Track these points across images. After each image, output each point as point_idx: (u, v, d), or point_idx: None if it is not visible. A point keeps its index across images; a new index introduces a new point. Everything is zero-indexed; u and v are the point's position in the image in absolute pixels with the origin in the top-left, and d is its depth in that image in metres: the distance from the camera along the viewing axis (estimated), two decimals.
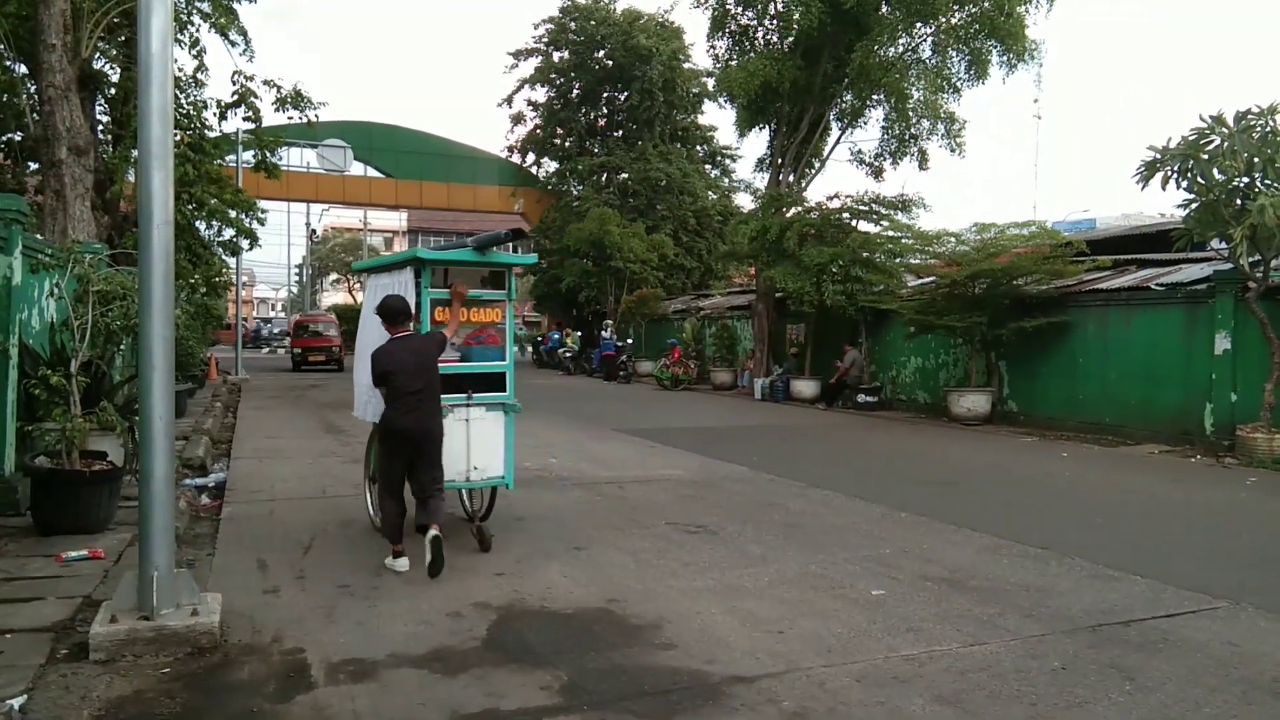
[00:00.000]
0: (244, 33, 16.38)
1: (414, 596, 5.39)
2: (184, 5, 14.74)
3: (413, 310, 6.26)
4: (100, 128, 14.76)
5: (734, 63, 22.57)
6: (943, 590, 5.66)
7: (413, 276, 6.54)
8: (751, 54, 22.16)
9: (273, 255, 64.92)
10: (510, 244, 6.79)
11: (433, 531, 5.80)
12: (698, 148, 38.10)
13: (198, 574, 5.49)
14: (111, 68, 14.84)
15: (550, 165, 38.53)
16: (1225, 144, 11.37)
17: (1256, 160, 11.17)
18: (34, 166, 14.43)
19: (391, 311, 6.12)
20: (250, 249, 18.39)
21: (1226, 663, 4.47)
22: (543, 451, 11.53)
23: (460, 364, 6.66)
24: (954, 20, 19.73)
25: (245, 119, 16.40)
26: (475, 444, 6.66)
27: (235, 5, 15.99)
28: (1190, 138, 11.65)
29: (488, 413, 6.74)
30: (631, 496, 8.73)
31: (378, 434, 6.37)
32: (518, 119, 37.95)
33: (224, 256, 19.13)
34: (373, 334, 6.50)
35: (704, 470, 10.34)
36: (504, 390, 6.87)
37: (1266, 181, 11.24)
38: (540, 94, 37.30)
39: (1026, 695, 4.05)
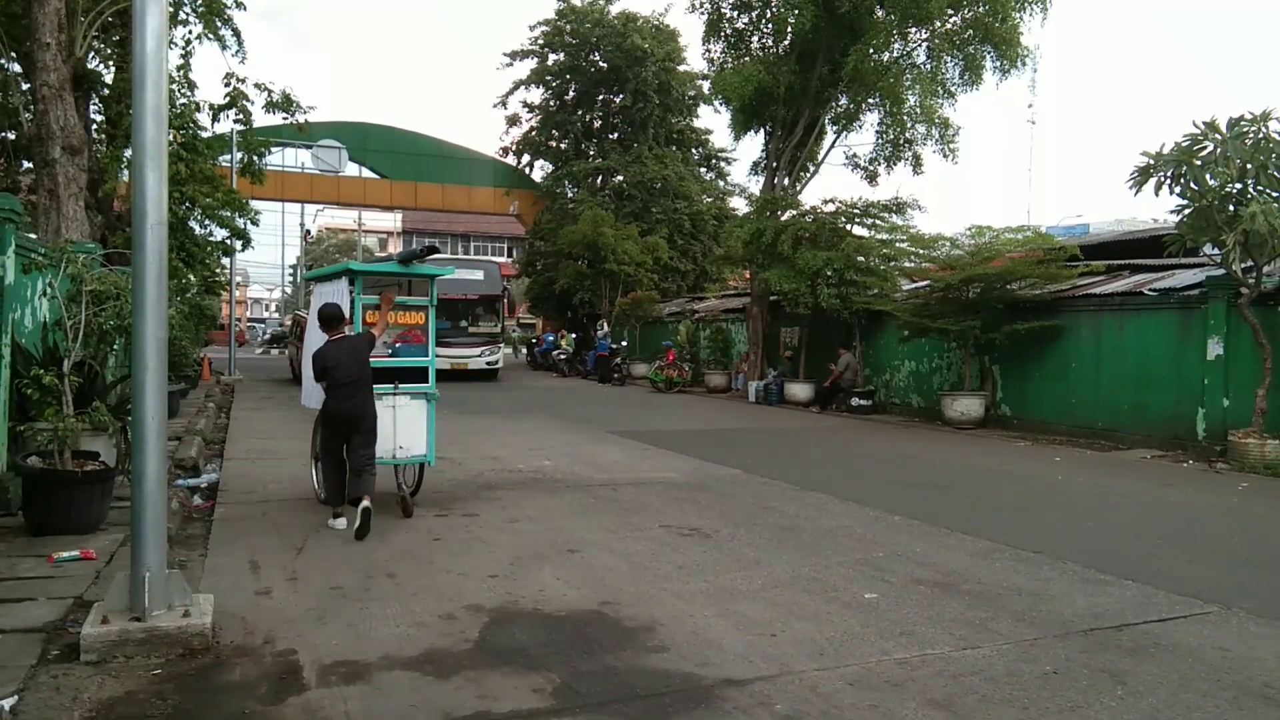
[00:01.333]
0: (237, 34, 16.37)
1: (406, 598, 5.39)
2: (177, 6, 14.72)
3: (346, 315, 7.42)
4: (94, 127, 14.73)
5: (729, 66, 22.61)
6: (935, 594, 5.67)
7: (347, 285, 7.73)
8: (746, 57, 22.21)
9: (267, 256, 64.81)
10: (425, 257, 8.15)
11: (364, 503, 6.88)
12: (693, 150, 38.14)
13: (190, 575, 5.47)
14: (106, 67, 14.81)
15: (545, 167, 38.55)
16: (1218, 150, 11.42)
17: (1249, 166, 11.23)
18: (27, 165, 14.40)
19: (327, 318, 7.27)
20: (243, 249, 18.37)
21: (1218, 668, 4.49)
22: (537, 454, 11.53)
23: (389, 359, 7.88)
24: (949, 25, 19.79)
25: (237, 121, 16.39)
26: (401, 427, 7.82)
27: (229, 9, 15.98)
28: (1184, 144, 11.70)
29: (412, 400, 7.90)
30: (625, 499, 8.73)
31: (320, 419, 7.53)
32: (513, 120, 37.99)
33: (218, 256, 19.11)
34: (315, 336, 7.62)
35: (698, 473, 10.34)
36: (426, 382, 8.06)
37: (1259, 188, 11.29)
38: (536, 95, 37.37)
39: (1018, 699, 4.06)
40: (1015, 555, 6.70)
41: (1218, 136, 11.44)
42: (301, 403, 8.57)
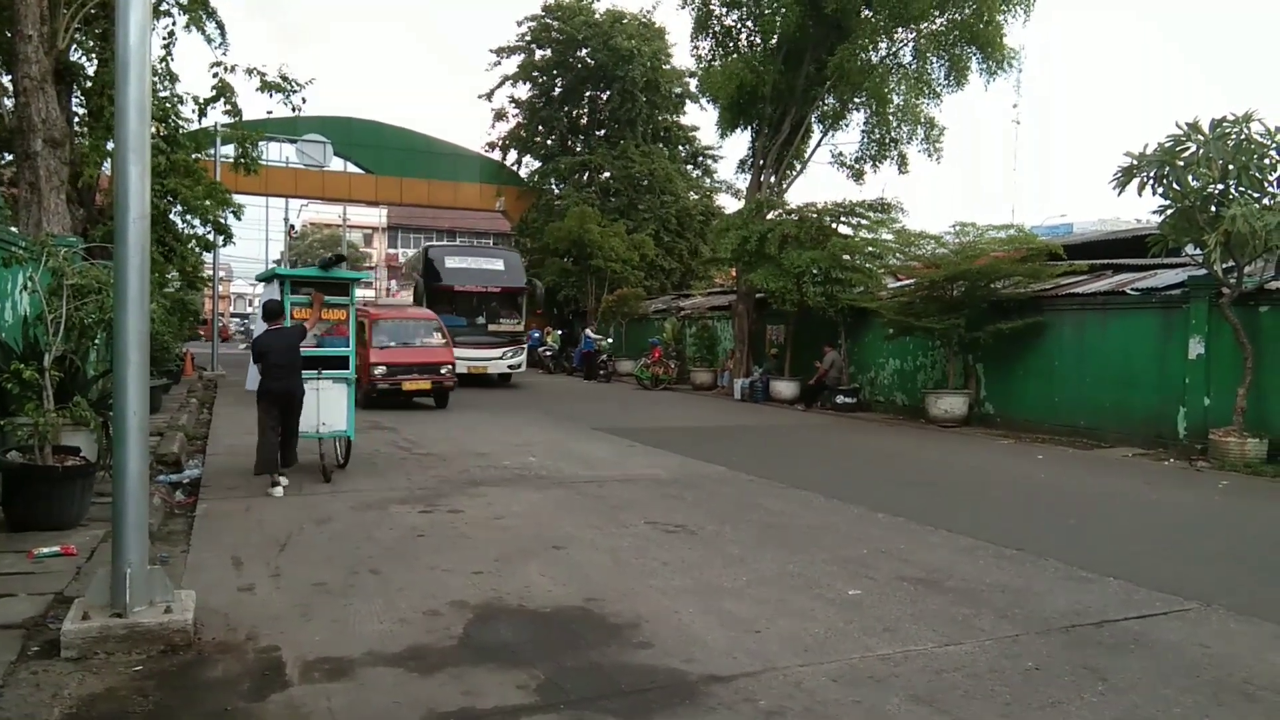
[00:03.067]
0: (221, 26, 16.22)
1: (390, 594, 5.37)
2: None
3: (283, 311, 8.88)
4: (76, 119, 14.59)
5: (717, 64, 22.64)
6: (919, 590, 5.70)
7: (278, 286, 9.27)
8: (734, 55, 22.23)
9: (250, 250, 64.25)
10: (337, 264, 9.77)
11: (280, 476, 8.50)
12: (680, 148, 38.13)
13: (171, 571, 5.44)
14: (88, 59, 14.67)
15: (532, 163, 38.45)
16: (1201, 151, 11.51)
17: (1231, 168, 11.32)
18: (8, 158, 14.25)
19: (267, 312, 8.84)
20: (225, 245, 18.20)
21: (1197, 663, 4.53)
22: (522, 450, 11.51)
23: (315, 349, 9.09)
24: (935, 26, 19.88)
25: (225, 113, 16.22)
26: (324, 406, 9.24)
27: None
28: (1167, 145, 11.78)
29: (334, 384, 9.34)
30: (611, 495, 8.73)
31: (258, 396, 8.56)
32: (500, 116, 37.85)
33: (199, 251, 18.95)
34: (258, 326, 9.13)
35: (683, 470, 10.35)
36: (346, 369, 9.48)
37: (1241, 189, 11.38)
38: (523, 91, 37.24)
39: (1001, 695, 4.09)
40: (998, 552, 6.74)
41: (1200, 137, 11.53)
42: (246, 387, 9.53)
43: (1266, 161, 11.41)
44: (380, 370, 16.39)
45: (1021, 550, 6.79)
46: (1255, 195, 11.33)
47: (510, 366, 22.97)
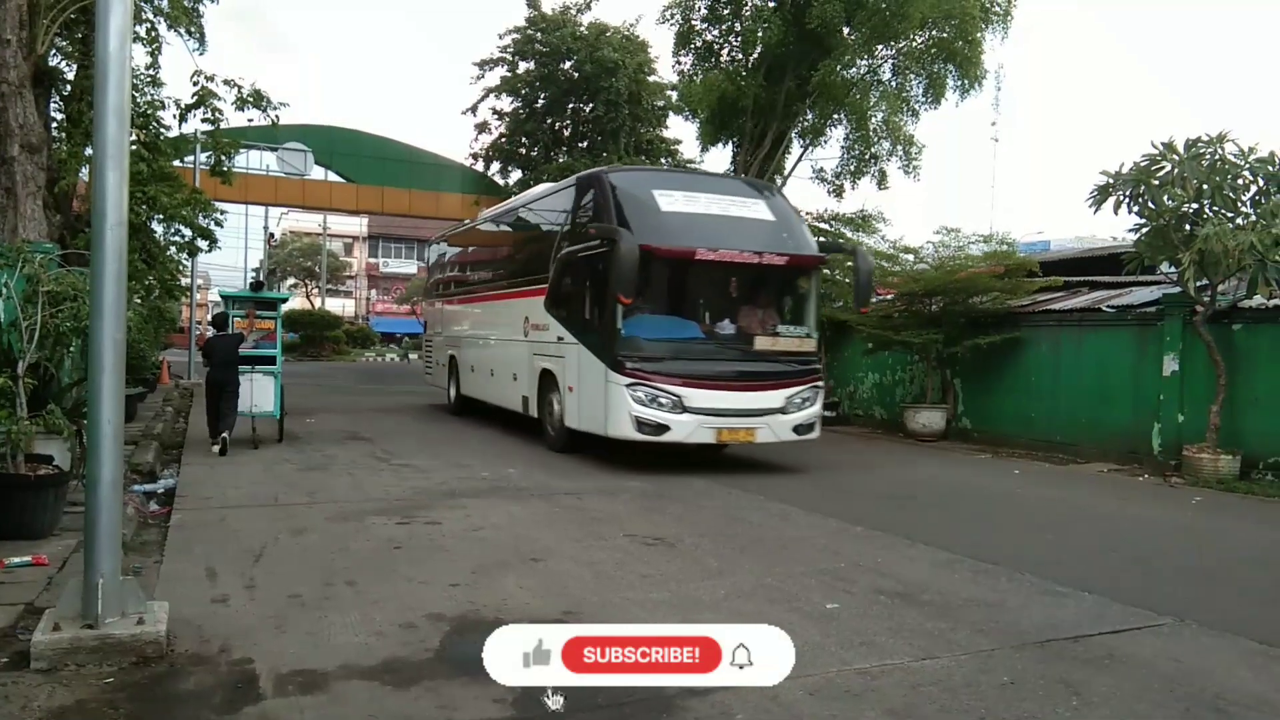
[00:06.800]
0: (200, 31, 16.15)
1: (366, 607, 5.33)
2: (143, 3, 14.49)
3: (227, 322, 12.21)
4: (55, 125, 14.46)
5: (698, 78, 22.78)
6: (896, 604, 5.71)
7: (223, 303, 13.19)
8: (716, 70, 22.37)
9: (228, 259, 63.85)
10: (261, 289, 14.28)
11: (224, 435, 11.27)
12: (662, 160, 38.21)
13: (144, 582, 5.38)
14: (67, 64, 14.56)
15: (515, 174, 38.41)
16: (1175, 171, 11.66)
17: (1205, 187, 11.48)
18: None
19: (216, 321, 12.46)
20: (209, 250, 18.07)
21: (1170, 679, 4.56)
22: (501, 461, 11.47)
23: (252, 350, 12.19)
24: (915, 44, 20.11)
25: (205, 120, 16.10)
26: (255, 392, 12.01)
27: (200, 6, 15.77)
28: (1142, 164, 11.94)
29: (264, 377, 12.25)
30: (590, 507, 8.71)
31: (206, 383, 12.16)
32: (482, 127, 37.76)
33: (179, 258, 18.79)
34: (209, 332, 13.19)
35: (663, 482, 10.33)
36: (274, 365, 12.43)
37: (1215, 208, 11.53)
38: (506, 103, 37.22)
39: (976, 709, 4.10)
40: (975, 566, 6.77)
41: (1175, 157, 11.68)
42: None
43: (1240, 181, 11.57)
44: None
45: (998, 564, 6.82)
46: (1229, 215, 11.47)
47: (800, 426, 11.28)
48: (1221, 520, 9.40)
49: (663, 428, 10.36)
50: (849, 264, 14.99)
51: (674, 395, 10.34)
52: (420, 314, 63.00)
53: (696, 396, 10.40)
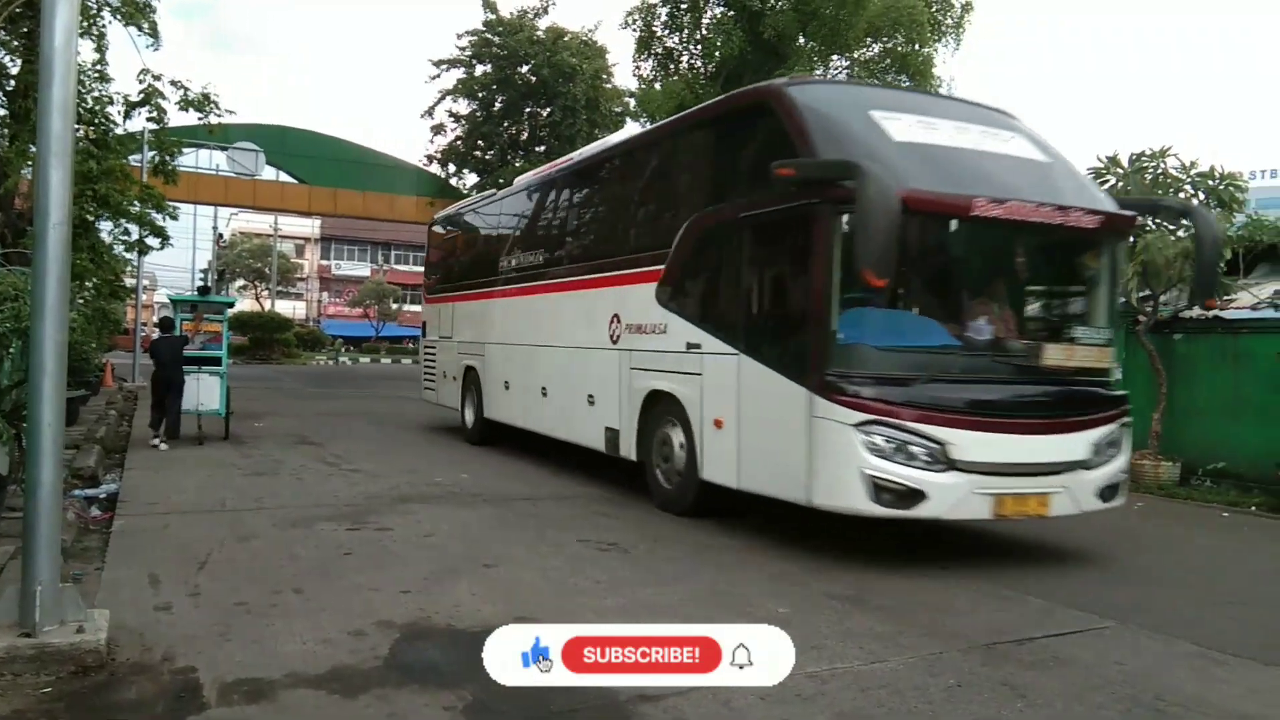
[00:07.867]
0: (153, 26, 15.81)
1: (314, 614, 5.26)
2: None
3: (174, 325, 13.04)
4: None
5: (658, 84, 22.90)
6: (846, 608, 5.77)
7: (172, 306, 14.47)
8: (676, 76, 22.51)
9: (176, 259, 62.64)
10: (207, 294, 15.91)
11: (162, 434, 11.98)
12: None
13: (85, 589, 5.26)
14: (12, 60, 14.21)
15: (471, 178, 38.21)
16: (1119, 184, 11.94)
17: None
18: None
19: (163, 323, 13.51)
20: (161, 248, 17.72)
21: (1113, 680, 4.66)
22: (455, 467, 11.39)
23: (199, 351, 13.02)
24: (869, 55, 20.43)
25: (150, 119, 15.78)
26: (201, 391, 12.65)
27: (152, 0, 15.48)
28: (1086, 176, 12.19)
29: (210, 377, 12.89)
30: (544, 514, 8.68)
31: (151, 381, 12.81)
32: (438, 130, 37.48)
33: (128, 255, 18.40)
34: (155, 334, 13.58)
35: (617, 488, 10.32)
36: (219, 366, 13.20)
37: (1156, 221, 11.83)
38: (462, 105, 37.03)
39: (924, 711, 4.16)
40: (922, 571, 6.85)
41: (1119, 171, 11.98)
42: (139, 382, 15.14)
43: (1181, 195, 11.89)
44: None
45: (945, 569, 6.92)
46: (1170, 227, 11.78)
47: (1107, 489, 7.32)
48: (1163, 526, 9.63)
49: (916, 494, 6.46)
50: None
51: (933, 442, 6.45)
52: (374, 317, 62.72)
53: (969, 443, 6.52)
